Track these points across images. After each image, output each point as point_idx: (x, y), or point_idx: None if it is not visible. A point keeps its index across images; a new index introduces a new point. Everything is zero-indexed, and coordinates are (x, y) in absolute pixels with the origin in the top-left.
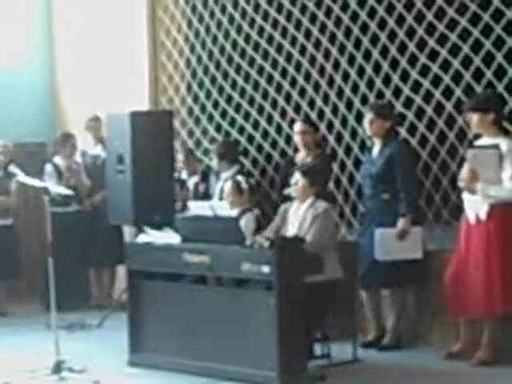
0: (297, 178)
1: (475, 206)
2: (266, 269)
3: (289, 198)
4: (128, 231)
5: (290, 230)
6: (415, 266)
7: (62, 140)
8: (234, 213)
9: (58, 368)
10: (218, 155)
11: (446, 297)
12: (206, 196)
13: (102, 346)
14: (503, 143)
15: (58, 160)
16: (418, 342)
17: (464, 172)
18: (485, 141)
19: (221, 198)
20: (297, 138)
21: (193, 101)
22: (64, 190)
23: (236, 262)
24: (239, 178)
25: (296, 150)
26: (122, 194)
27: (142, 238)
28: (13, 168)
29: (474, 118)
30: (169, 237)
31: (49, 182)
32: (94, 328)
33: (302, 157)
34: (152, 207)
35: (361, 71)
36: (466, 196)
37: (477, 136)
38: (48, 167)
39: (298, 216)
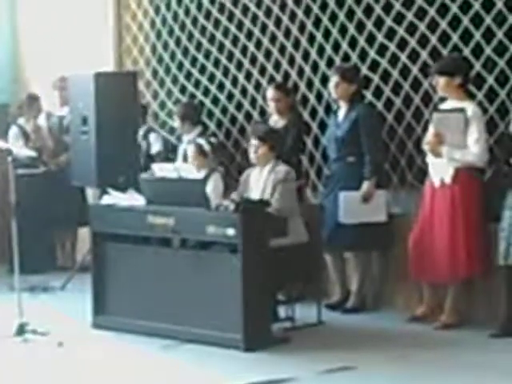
0: (254, 143)
1: (440, 170)
2: (230, 231)
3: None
4: (91, 193)
5: (253, 196)
6: (379, 230)
7: (28, 102)
8: (200, 175)
9: (21, 330)
10: (180, 117)
11: (409, 260)
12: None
13: (65, 308)
14: (469, 107)
15: (22, 122)
16: (382, 305)
17: (429, 135)
18: (450, 104)
19: (185, 161)
20: (270, 105)
21: (157, 62)
22: (28, 152)
23: (201, 225)
24: (200, 140)
25: (262, 113)
26: (85, 155)
27: (105, 200)
28: None
29: (441, 81)
30: (133, 199)
31: (15, 144)
32: (57, 290)
33: (274, 121)
34: (116, 169)
35: (327, 34)
36: (430, 159)
37: (442, 99)
38: (13, 129)
39: (260, 182)
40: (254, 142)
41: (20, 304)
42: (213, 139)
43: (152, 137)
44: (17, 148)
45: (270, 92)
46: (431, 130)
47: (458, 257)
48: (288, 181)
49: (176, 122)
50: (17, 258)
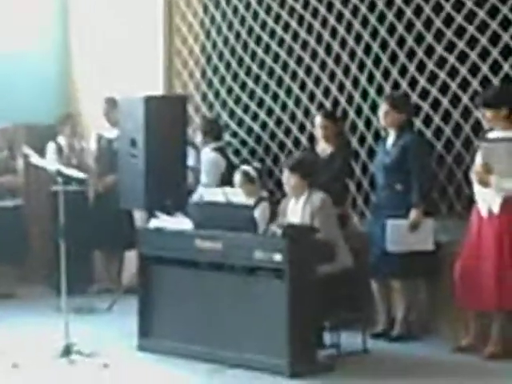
0: (286, 175)
1: (488, 199)
2: (278, 257)
3: None
4: (139, 216)
5: None
6: (426, 258)
7: (63, 119)
8: (249, 202)
9: (67, 351)
10: (203, 131)
11: (455, 289)
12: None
13: (111, 330)
14: None
15: (60, 139)
16: (427, 334)
17: (477, 165)
18: (498, 134)
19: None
20: (317, 132)
21: (207, 86)
22: (78, 173)
23: (248, 250)
24: (245, 167)
25: (311, 138)
26: (134, 178)
27: (153, 223)
28: (26, 149)
29: (487, 113)
30: (181, 222)
31: (49, 160)
32: (103, 312)
33: (322, 148)
34: (164, 192)
35: (377, 61)
36: (477, 189)
37: (490, 128)
38: (50, 145)
39: (297, 212)
40: (285, 173)
41: (66, 325)
42: (259, 165)
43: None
44: (66, 169)
45: (318, 119)
46: (479, 159)
47: (504, 286)
48: (325, 207)
49: (198, 137)
50: (64, 279)
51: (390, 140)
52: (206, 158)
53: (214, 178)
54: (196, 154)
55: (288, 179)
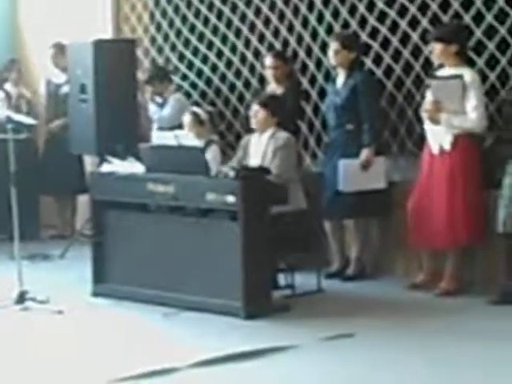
0: (255, 109)
1: (439, 137)
2: (230, 199)
3: (252, 130)
4: (89, 161)
5: (252, 162)
6: (379, 197)
7: (8, 65)
8: (199, 143)
9: (21, 298)
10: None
11: (408, 227)
12: None
13: (65, 276)
14: (466, 74)
15: (8, 86)
16: (381, 273)
17: (427, 103)
18: (447, 71)
19: None
20: (267, 72)
21: (156, 30)
22: (27, 120)
23: (201, 192)
24: (196, 108)
25: (261, 80)
26: (84, 123)
27: (105, 168)
28: None
29: (437, 48)
30: (133, 166)
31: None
32: (56, 258)
33: (272, 89)
34: (115, 137)
35: (326, 0)
36: (428, 127)
37: (440, 66)
38: None
39: (260, 148)
40: (255, 107)
41: (20, 272)
42: (209, 108)
43: None
44: (15, 115)
45: (269, 60)
46: (429, 97)
47: (457, 224)
48: (288, 147)
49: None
50: (16, 226)
51: (341, 80)
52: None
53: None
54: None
55: (256, 113)
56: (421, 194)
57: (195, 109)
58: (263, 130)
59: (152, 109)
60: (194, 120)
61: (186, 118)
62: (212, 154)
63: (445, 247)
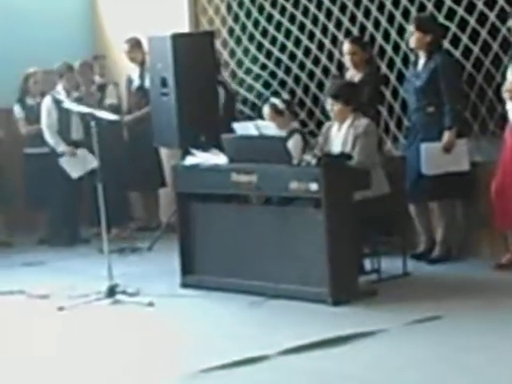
0: (330, 102)
1: None
2: (313, 186)
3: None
4: (165, 154)
5: (334, 150)
6: (462, 179)
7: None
8: (279, 133)
9: (111, 292)
10: None
11: (492, 209)
12: None
13: (153, 268)
14: None
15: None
16: (467, 254)
17: (509, 82)
18: None
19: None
20: (346, 58)
21: (233, 21)
22: (109, 115)
23: (284, 181)
24: (273, 99)
25: (339, 66)
26: (166, 117)
27: (189, 161)
28: (57, 94)
29: None
30: (215, 158)
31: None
32: (144, 251)
33: (351, 75)
34: (197, 129)
35: None
36: (510, 106)
37: None
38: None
39: (340, 137)
40: (329, 100)
41: (110, 266)
42: (287, 97)
43: None
44: (98, 112)
45: (346, 45)
46: (510, 76)
47: None
48: (368, 133)
49: None
50: (104, 221)
51: (420, 63)
52: None
53: None
54: (224, 91)
55: (332, 106)
56: (504, 175)
57: (272, 99)
58: (341, 121)
59: None
60: (273, 111)
61: (266, 110)
62: (294, 143)
63: None
